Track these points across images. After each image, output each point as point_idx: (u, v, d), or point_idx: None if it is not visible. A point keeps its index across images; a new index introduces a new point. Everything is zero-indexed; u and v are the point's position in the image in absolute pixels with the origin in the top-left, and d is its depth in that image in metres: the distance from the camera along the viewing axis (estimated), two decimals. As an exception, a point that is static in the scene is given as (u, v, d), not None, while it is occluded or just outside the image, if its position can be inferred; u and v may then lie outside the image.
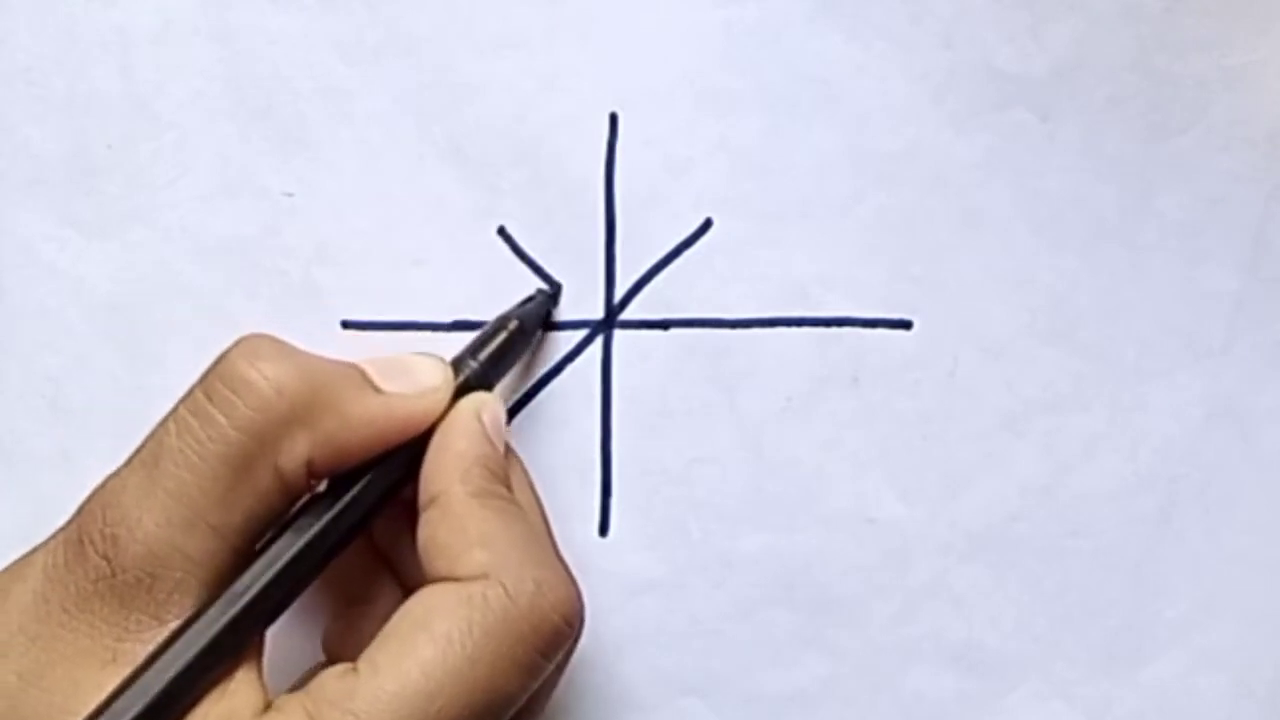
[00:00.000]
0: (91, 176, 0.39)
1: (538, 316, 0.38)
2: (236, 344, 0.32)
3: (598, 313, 0.39)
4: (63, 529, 0.32)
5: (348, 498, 0.33)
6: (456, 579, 0.31)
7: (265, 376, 0.31)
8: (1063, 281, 0.38)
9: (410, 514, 0.34)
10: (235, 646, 0.31)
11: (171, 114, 0.39)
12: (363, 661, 0.30)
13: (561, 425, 0.39)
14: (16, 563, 0.32)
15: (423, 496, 0.33)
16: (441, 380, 0.34)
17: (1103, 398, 0.38)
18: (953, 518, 0.38)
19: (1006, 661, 0.38)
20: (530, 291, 0.38)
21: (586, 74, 0.38)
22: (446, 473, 0.33)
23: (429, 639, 0.30)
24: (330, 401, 0.32)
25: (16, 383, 0.39)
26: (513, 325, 0.37)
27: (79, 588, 0.30)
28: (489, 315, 0.38)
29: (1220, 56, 0.38)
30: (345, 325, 0.39)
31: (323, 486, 0.33)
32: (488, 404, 0.35)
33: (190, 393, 0.32)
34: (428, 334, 0.39)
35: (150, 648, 0.30)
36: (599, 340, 0.39)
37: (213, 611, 0.30)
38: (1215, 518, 0.38)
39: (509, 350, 0.36)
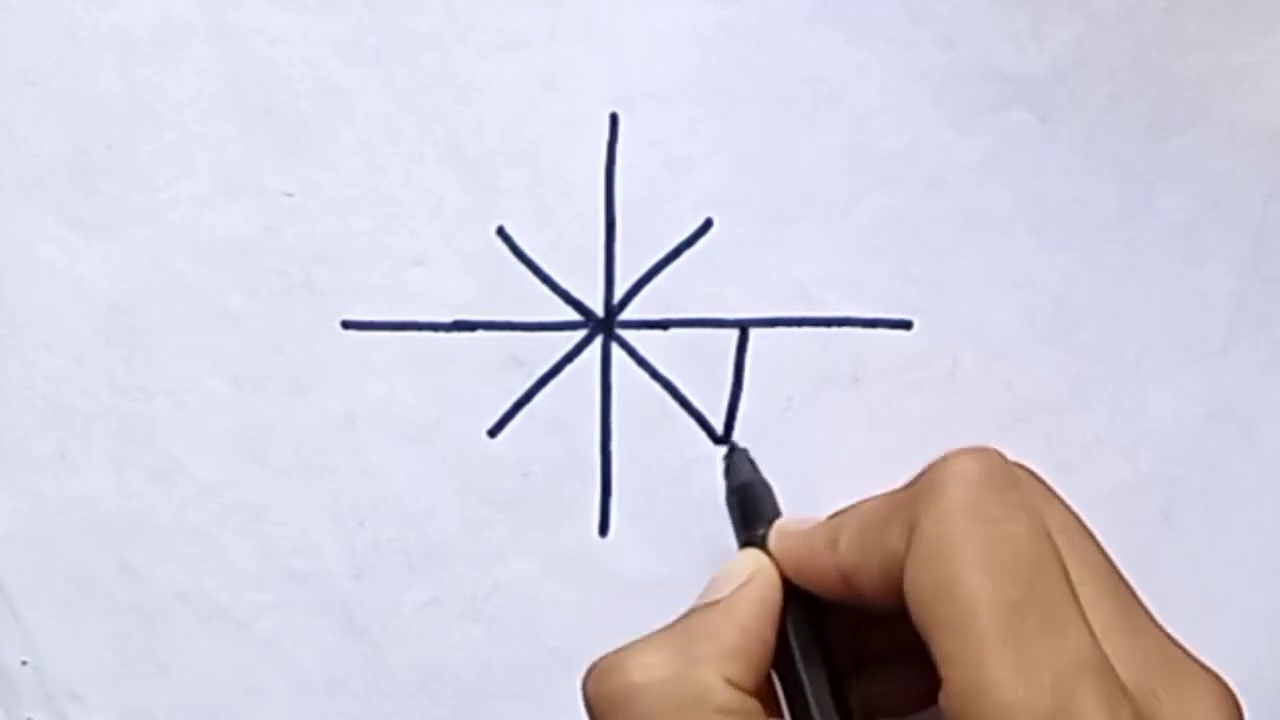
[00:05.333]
0: (91, 176, 0.39)
1: (748, 469, 0.37)
2: (585, 686, 0.31)
3: (598, 313, 0.39)
4: None
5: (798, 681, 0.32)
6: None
7: (631, 670, 0.31)
8: (1063, 281, 0.38)
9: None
10: None
11: (171, 114, 0.39)
12: None
13: (561, 425, 0.39)
14: None
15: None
16: (749, 556, 0.33)
17: (1103, 398, 0.38)
18: (953, 518, 0.38)
19: (1007, 661, 0.38)
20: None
21: (586, 74, 0.38)
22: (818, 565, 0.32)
23: None
24: (696, 637, 0.31)
25: (16, 383, 0.39)
26: (739, 491, 0.36)
27: None
28: (489, 315, 0.38)
29: (1220, 56, 0.38)
30: (345, 325, 0.39)
31: None
32: (778, 525, 0.34)
33: None
34: (428, 334, 0.39)
35: None
36: (599, 340, 0.39)
37: None
38: (1215, 518, 0.38)
39: (757, 504, 0.36)
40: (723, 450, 0.38)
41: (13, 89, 0.39)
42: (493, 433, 0.39)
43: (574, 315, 0.39)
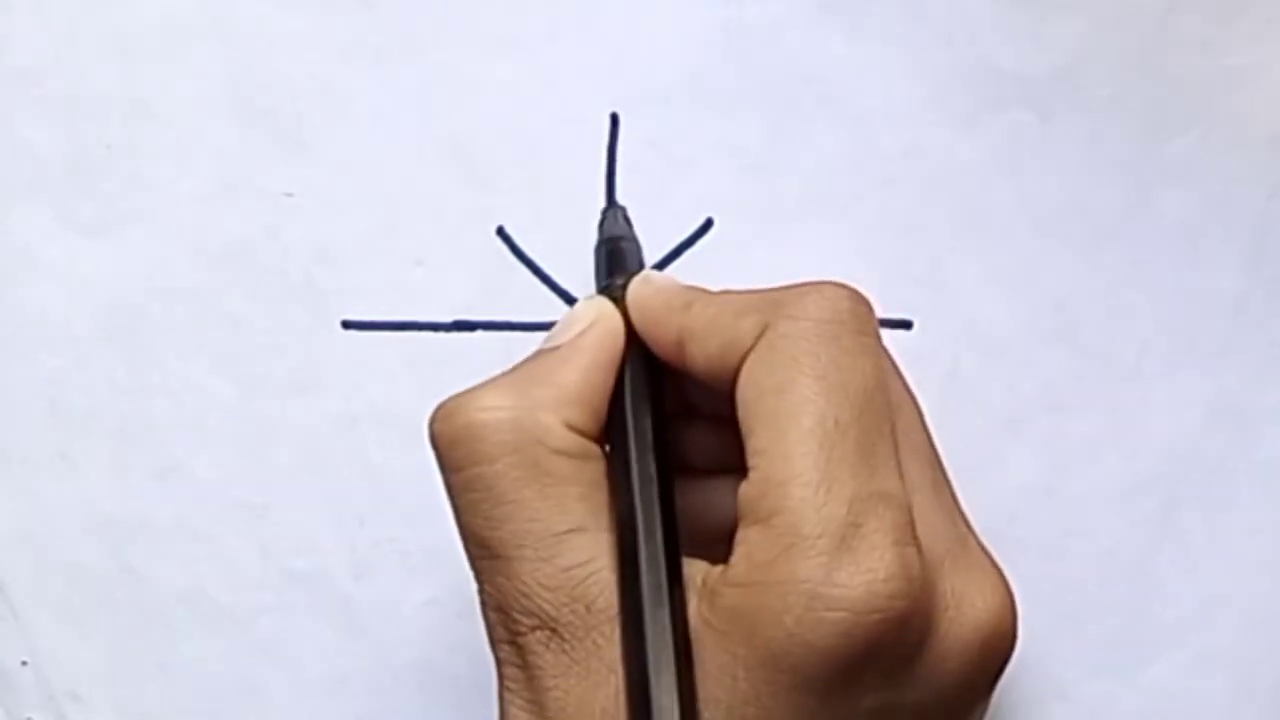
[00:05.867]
0: (91, 176, 0.39)
1: (621, 225, 0.38)
2: (432, 425, 0.32)
3: (598, 313, 0.39)
4: (497, 661, 0.31)
5: (631, 426, 0.32)
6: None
7: (474, 410, 0.31)
8: (1063, 281, 0.38)
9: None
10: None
11: (171, 114, 0.39)
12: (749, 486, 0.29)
13: (561, 425, 0.39)
14: None
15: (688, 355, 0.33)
16: (593, 304, 0.34)
17: (1103, 398, 0.38)
18: (953, 518, 0.38)
19: (1007, 661, 0.38)
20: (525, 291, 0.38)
21: (586, 74, 0.38)
22: (665, 329, 0.33)
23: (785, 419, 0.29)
24: (537, 380, 0.32)
25: (16, 384, 0.39)
26: (608, 244, 0.37)
27: (541, 670, 0.30)
28: (489, 315, 0.38)
29: (1220, 56, 0.38)
30: (345, 325, 0.39)
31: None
32: (639, 276, 0.35)
33: (446, 485, 0.32)
34: (428, 334, 0.39)
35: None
36: (599, 340, 0.39)
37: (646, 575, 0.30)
38: (1215, 518, 0.38)
39: (619, 260, 0.37)
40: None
41: (13, 89, 0.39)
42: (493, 433, 0.39)
43: (574, 315, 0.39)
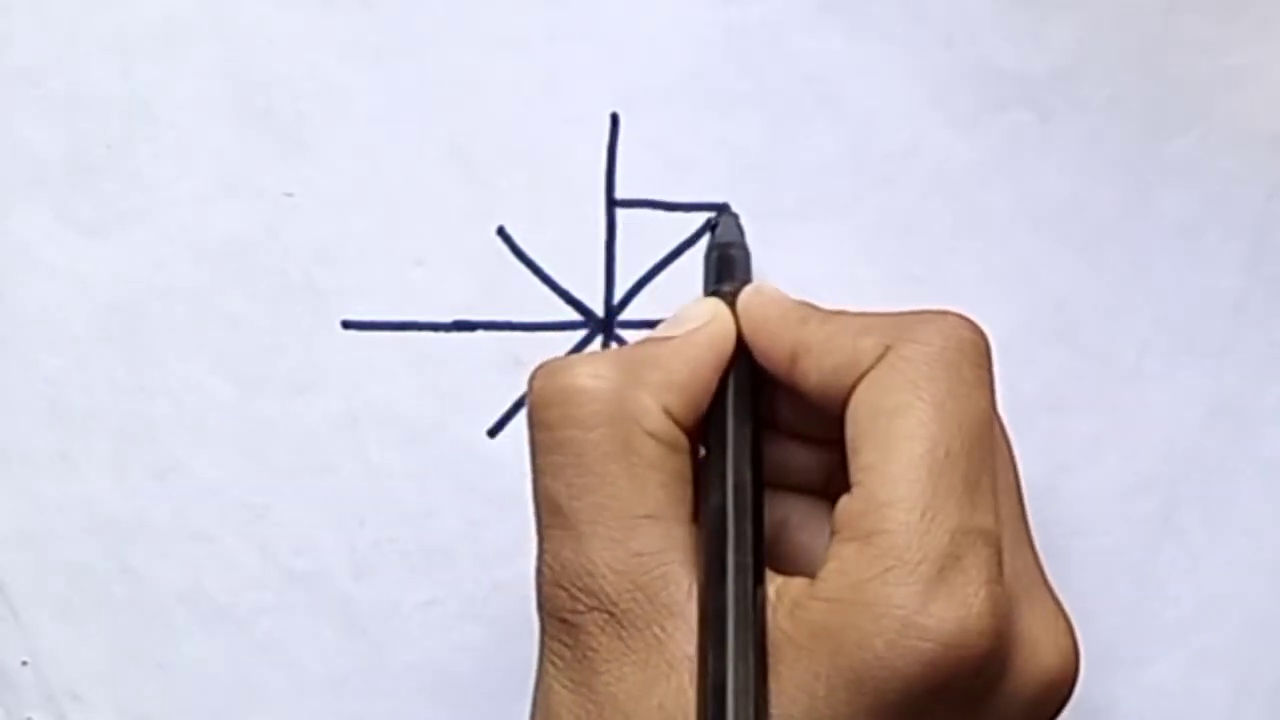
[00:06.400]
0: (91, 176, 0.39)
1: (734, 232, 0.38)
2: (532, 381, 0.32)
3: (598, 313, 0.39)
4: (543, 630, 0.31)
5: (730, 424, 0.33)
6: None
7: (579, 374, 0.31)
8: (1063, 281, 0.38)
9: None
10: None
11: (171, 114, 0.39)
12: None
13: (561, 425, 0.39)
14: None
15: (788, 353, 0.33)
16: (710, 303, 0.34)
17: (1103, 398, 0.38)
18: (953, 518, 0.38)
19: (1007, 661, 0.38)
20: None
21: (586, 74, 0.38)
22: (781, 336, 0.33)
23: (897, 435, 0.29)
24: (645, 363, 0.32)
25: (16, 384, 0.39)
26: (719, 248, 0.37)
27: (594, 653, 0.30)
28: (489, 315, 0.38)
29: (1220, 56, 0.38)
30: (345, 325, 0.39)
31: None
32: (754, 285, 0.35)
33: (533, 443, 0.32)
34: (428, 334, 0.39)
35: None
36: (599, 340, 0.39)
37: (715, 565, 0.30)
38: (1215, 518, 0.38)
39: (733, 264, 0.36)
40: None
41: (13, 89, 0.39)
42: (493, 433, 0.39)
43: (574, 315, 0.39)
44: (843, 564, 0.29)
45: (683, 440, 0.32)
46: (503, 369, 0.38)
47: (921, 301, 0.38)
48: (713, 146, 0.38)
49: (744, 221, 0.38)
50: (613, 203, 0.38)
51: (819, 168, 0.38)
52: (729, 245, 0.37)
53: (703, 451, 0.33)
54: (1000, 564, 0.29)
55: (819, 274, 0.38)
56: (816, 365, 0.32)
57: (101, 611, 0.39)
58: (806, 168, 0.38)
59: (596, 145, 0.38)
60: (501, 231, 0.39)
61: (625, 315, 0.39)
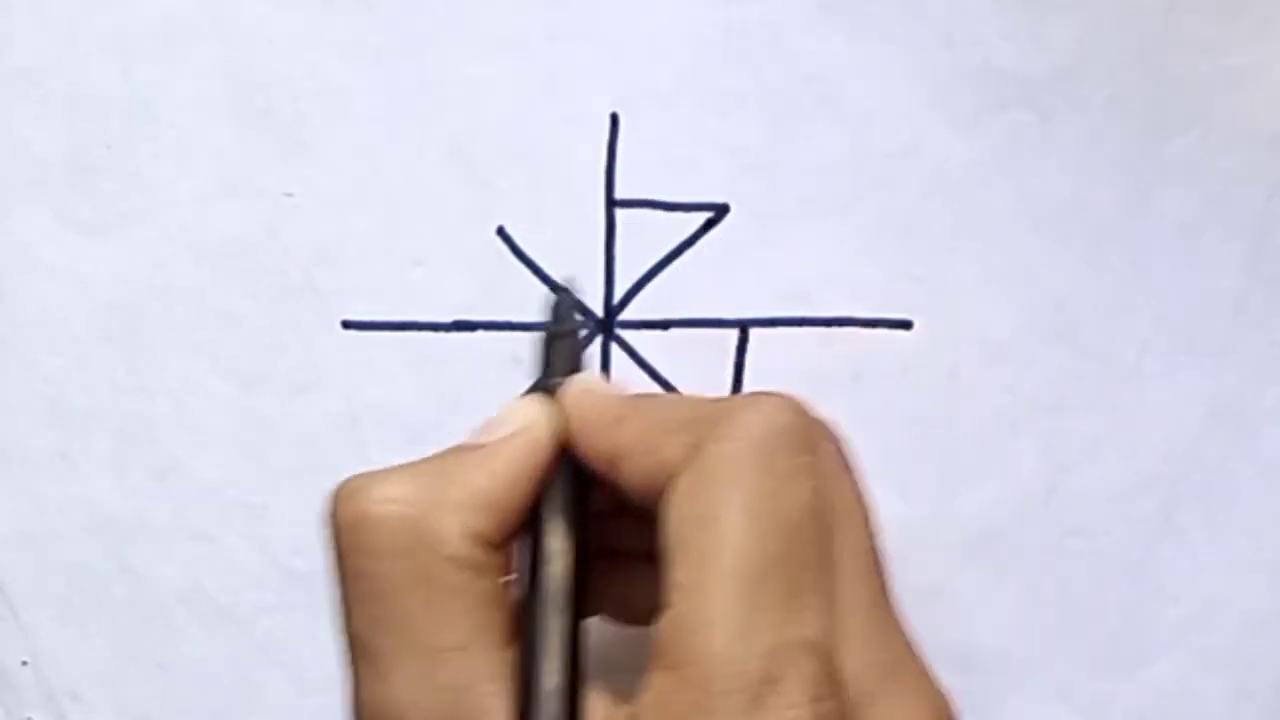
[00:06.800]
0: (91, 176, 0.39)
1: (566, 316, 0.36)
2: (332, 502, 0.30)
3: (598, 313, 0.39)
4: None
5: (546, 535, 0.31)
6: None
7: (374, 499, 0.29)
8: (1063, 281, 0.38)
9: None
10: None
11: (171, 114, 0.39)
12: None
13: (561, 425, 0.39)
14: None
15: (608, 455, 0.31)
16: (528, 404, 0.32)
17: (1103, 398, 0.38)
18: (953, 518, 0.38)
19: (1006, 661, 0.38)
20: (541, 301, 0.37)
21: (586, 74, 0.38)
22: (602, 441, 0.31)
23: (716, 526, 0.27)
24: (446, 479, 0.30)
25: (16, 384, 0.39)
26: (547, 337, 0.35)
27: None
28: (489, 315, 0.38)
29: (1220, 56, 0.38)
30: (345, 325, 0.39)
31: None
32: (578, 381, 0.33)
33: (333, 570, 0.30)
34: (428, 334, 0.39)
35: None
36: (599, 340, 0.39)
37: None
38: (1215, 518, 0.38)
39: (564, 355, 0.34)
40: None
41: (13, 89, 0.39)
42: (493, 433, 0.39)
43: (573, 315, 0.39)
44: (658, 695, 0.27)
45: (491, 560, 0.30)
46: (503, 369, 0.39)
47: (922, 301, 0.38)
48: (713, 146, 0.38)
49: (744, 221, 0.38)
50: (612, 203, 0.39)
51: (819, 168, 0.38)
52: (557, 335, 0.34)
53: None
54: (830, 677, 0.27)
55: (819, 274, 0.38)
56: (632, 470, 0.30)
57: (101, 611, 0.39)
58: (806, 168, 0.38)
59: (596, 145, 0.38)
60: (501, 231, 0.39)
61: (625, 315, 0.39)
